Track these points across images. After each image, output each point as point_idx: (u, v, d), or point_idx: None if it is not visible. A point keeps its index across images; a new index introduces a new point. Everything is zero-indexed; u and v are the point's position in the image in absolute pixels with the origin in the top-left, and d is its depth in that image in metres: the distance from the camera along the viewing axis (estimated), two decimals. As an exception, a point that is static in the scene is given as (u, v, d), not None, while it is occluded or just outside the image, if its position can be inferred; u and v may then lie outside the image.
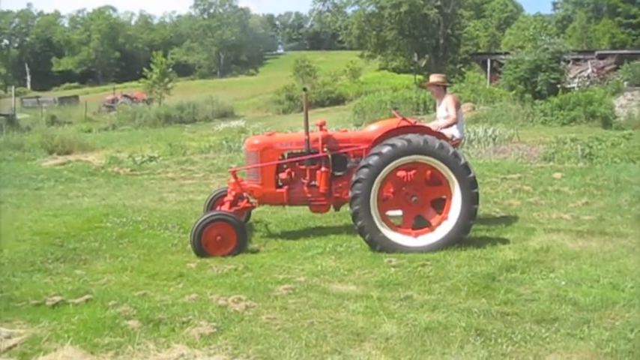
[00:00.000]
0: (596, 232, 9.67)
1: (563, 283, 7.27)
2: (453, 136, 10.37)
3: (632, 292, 6.83)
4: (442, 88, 11.14)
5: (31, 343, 5.84)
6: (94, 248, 9.63)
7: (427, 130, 9.38)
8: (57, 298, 6.97)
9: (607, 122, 29.25)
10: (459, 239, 8.88)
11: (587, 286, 7.10)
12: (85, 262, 8.96)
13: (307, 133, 9.72)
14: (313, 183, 9.72)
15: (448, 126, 10.37)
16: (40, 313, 6.59)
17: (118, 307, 6.69)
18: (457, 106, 10.70)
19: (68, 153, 24.86)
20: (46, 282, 7.89)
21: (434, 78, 11.36)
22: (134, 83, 78.89)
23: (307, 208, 10.17)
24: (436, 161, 8.84)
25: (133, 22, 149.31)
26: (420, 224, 9.28)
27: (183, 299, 6.99)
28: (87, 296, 7.07)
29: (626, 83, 38.38)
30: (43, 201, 13.86)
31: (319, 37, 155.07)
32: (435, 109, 11.61)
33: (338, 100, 56.40)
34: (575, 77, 44.02)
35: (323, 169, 9.63)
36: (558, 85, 35.45)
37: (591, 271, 7.63)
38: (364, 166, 8.82)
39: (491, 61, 55.81)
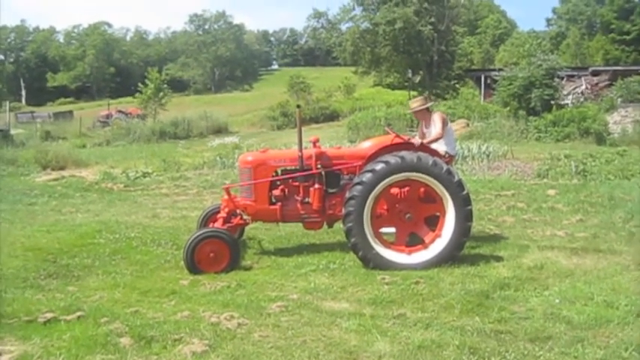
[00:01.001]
0: (590, 250, 9.68)
1: (557, 301, 7.25)
2: (446, 153, 10.36)
3: (626, 310, 6.81)
4: (425, 110, 11.05)
5: (22, 360, 5.80)
6: (86, 264, 9.59)
7: (421, 148, 9.38)
8: (49, 315, 6.93)
9: (601, 139, 29.34)
10: (452, 256, 8.87)
11: (581, 304, 7.08)
12: (77, 279, 8.93)
13: (301, 149, 9.73)
14: (306, 200, 9.71)
15: (433, 141, 10.30)
16: (32, 330, 6.55)
17: (110, 324, 6.64)
18: (444, 123, 10.64)
19: (62, 168, 24.78)
20: (38, 298, 7.84)
21: (414, 104, 11.19)
22: (129, 99, 78.60)
23: (301, 225, 10.14)
24: (430, 178, 8.84)
25: (128, 38, 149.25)
26: (414, 241, 9.26)
27: (175, 316, 6.95)
28: (79, 313, 7.02)
29: (619, 100, 38.55)
30: (37, 216, 13.83)
31: (314, 54, 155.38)
32: (418, 130, 11.46)
33: (332, 116, 56.42)
34: (569, 94, 44.21)
35: (316, 185, 9.62)
36: (552, 102, 35.58)
37: (585, 289, 7.61)
38: (358, 183, 8.81)
39: (485, 78, 56.06)
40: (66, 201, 16.36)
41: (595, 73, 51.09)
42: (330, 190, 9.77)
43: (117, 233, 11.50)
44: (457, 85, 64.67)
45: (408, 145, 9.40)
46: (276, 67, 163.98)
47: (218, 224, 9.95)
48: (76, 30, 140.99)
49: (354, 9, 69.37)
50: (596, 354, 5.73)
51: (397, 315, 6.87)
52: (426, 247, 9.04)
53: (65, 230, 11.93)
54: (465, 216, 8.82)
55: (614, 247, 9.84)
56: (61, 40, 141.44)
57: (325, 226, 10.07)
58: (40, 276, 8.90)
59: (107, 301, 7.72)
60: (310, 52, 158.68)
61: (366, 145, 10.08)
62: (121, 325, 6.62)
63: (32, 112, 70.60)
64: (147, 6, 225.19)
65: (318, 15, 76.48)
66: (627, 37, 77.89)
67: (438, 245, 8.94)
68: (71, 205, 15.64)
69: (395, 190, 9.21)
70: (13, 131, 42.33)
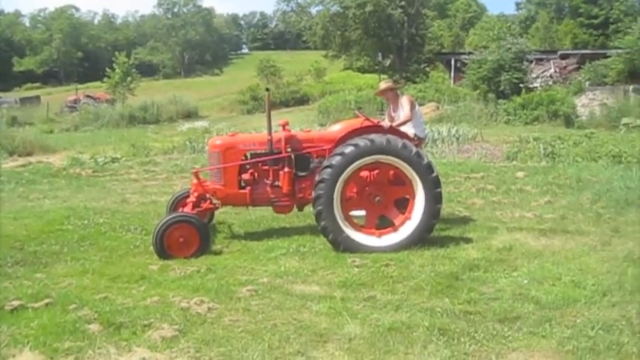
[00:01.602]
0: (558, 231, 9.77)
1: (525, 281, 7.32)
2: (415, 136, 10.38)
3: (593, 290, 6.89)
4: (394, 93, 11.10)
5: (-11, 348, 5.74)
6: (54, 251, 9.52)
7: (390, 130, 9.39)
8: (16, 303, 6.86)
9: (569, 121, 29.56)
10: (422, 239, 8.90)
11: (549, 285, 7.16)
12: (45, 266, 8.86)
13: (270, 133, 9.71)
14: (276, 183, 9.70)
15: (402, 124, 10.31)
16: (-1, 318, 6.48)
17: (79, 311, 6.59)
18: (412, 106, 10.65)
19: (29, 154, 24.51)
20: (5, 286, 7.76)
21: (383, 84, 11.34)
22: (97, 83, 77.88)
23: (270, 208, 10.13)
24: (399, 161, 8.85)
25: (95, 22, 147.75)
26: (384, 224, 9.29)
27: (144, 302, 6.91)
28: (47, 300, 6.96)
29: (587, 83, 38.86)
30: (3, 203, 13.65)
31: (284, 37, 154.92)
32: (387, 113, 11.51)
33: (303, 100, 56.36)
34: (537, 77, 44.48)
35: (286, 169, 9.61)
36: (521, 85, 35.76)
37: (553, 270, 7.70)
38: (327, 167, 8.80)
39: (455, 61, 56.18)
40: (33, 187, 16.17)
41: (563, 57, 51.43)
42: (300, 174, 9.77)
43: (85, 219, 11.39)
44: (427, 69, 64.76)
45: (377, 128, 9.41)
46: (246, 51, 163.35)
47: (187, 209, 9.91)
48: (42, 14, 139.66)
49: (324, -8, 69.15)
50: (564, 333, 5.79)
51: (367, 297, 6.90)
52: (395, 229, 9.06)
53: (32, 217, 11.81)
54: (434, 198, 8.85)
55: (582, 228, 9.94)
56: (27, 24, 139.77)
57: (295, 209, 10.06)
58: (7, 263, 8.83)
59: (76, 287, 7.65)
60: (280, 35, 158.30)
61: (336, 129, 10.09)
62: (90, 311, 6.57)
63: (-2, 98, 69.69)
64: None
65: (287, -1, 76.23)
66: (595, 21, 78.39)
67: (408, 228, 8.97)
68: (39, 191, 15.47)
69: (364, 173, 9.24)
70: (-22, 117, 41.80)
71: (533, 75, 42.33)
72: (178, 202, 10.82)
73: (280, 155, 9.67)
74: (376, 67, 68.01)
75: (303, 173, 9.77)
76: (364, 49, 68.43)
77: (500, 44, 38.23)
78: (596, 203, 11.54)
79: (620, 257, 8.24)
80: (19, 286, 7.75)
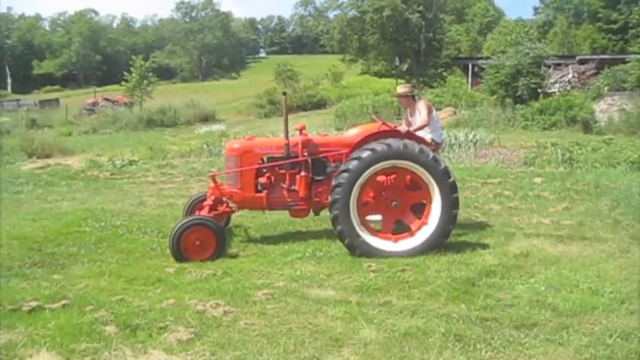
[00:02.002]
0: (575, 237, 9.70)
1: (542, 288, 7.28)
2: (432, 141, 10.37)
3: (611, 298, 6.85)
4: (411, 98, 11.09)
5: (7, 349, 5.78)
6: (72, 253, 9.59)
7: (407, 135, 9.38)
8: (34, 304, 6.90)
9: (587, 127, 29.37)
10: (438, 244, 8.88)
11: (567, 292, 7.11)
12: (62, 267, 8.93)
13: (287, 137, 9.72)
14: (293, 187, 9.71)
15: (419, 128, 10.30)
16: (17, 319, 6.52)
17: (95, 313, 6.63)
18: (429, 111, 10.64)
19: (48, 156, 24.63)
20: (23, 287, 7.83)
21: (401, 89, 11.28)
22: (115, 86, 78.24)
23: (287, 212, 10.13)
24: (416, 166, 8.84)
25: (114, 26, 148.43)
26: (400, 229, 9.27)
27: (161, 304, 6.93)
28: (64, 301, 7.00)
29: (606, 88, 38.62)
30: (22, 205, 13.76)
31: (301, 41, 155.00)
32: (404, 118, 11.53)
33: (320, 104, 56.28)
34: (556, 82, 44.32)
35: (302, 173, 9.62)
36: (539, 90, 35.61)
37: (571, 276, 7.65)
38: (344, 171, 8.80)
39: (473, 66, 56.16)
40: (51, 189, 16.27)
41: (582, 62, 51.27)
42: (317, 178, 9.77)
43: (102, 221, 11.47)
44: (444, 73, 64.73)
45: (394, 133, 9.40)
46: (263, 55, 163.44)
47: (204, 212, 9.92)
48: (61, 17, 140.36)
49: (341, -4, 69.25)
50: (581, 341, 5.75)
51: (383, 302, 6.88)
52: (412, 234, 9.04)
53: (51, 218, 11.90)
54: (451, 203, 8.83)
55: (600, 234, 9.87)
56: (47, 28, 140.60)
57: (312, 213, 10.06)
58: (25, 264, 8.90)
59: (92, 289, 7.69)
60: (298, 39, 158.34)
61: (353, 133, 10.07)
62: (107, 313, 6.61)
63: (18, 100, 70.06)
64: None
65: (305, 3, 76.59)
66: (614, 26, 77.98)
67: (425, 233, 8.95)
68: (57, 193, 15.57)
69: (381, 178, 9.23)
70: (-2, 119, 42.09)
71: (552, 80, 42.18)
72: (195, 205, 10.83)
73: (297, 159, 9.68)
74: (393, 72, 67.92)
75: (320, 177, 9.77)
76: (381, 53, 68.53)
77: (518, 49, 38.06)
78: (615, 210, 11.45)
79: (638, 264, 8.17)
80: (37, 287, 7.80)
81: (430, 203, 9.00)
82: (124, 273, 8.43)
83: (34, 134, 30.03)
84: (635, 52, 40.72)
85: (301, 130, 9.97)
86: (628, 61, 40.09)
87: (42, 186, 16.74)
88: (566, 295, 6.95)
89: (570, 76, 47.69)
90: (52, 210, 13.05)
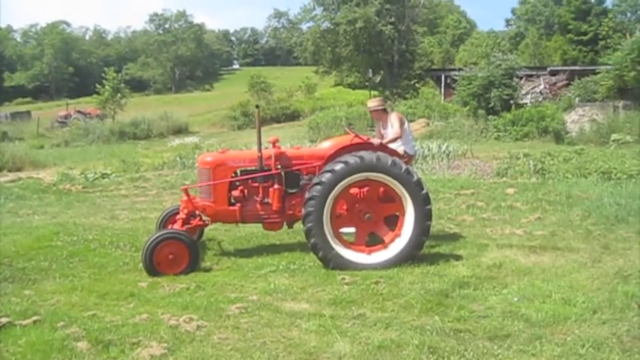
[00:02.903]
0: (548, 248, 9.78)
1: (515, 299, 7.31)
2: (405, 153, 10.41)
3: (583, 307, 6.90)
4: (382, 111, 11.16)
5: (-25, 367, 5.70)
6: (43, 268, 9.46)
7: (380, 148, 9.40)
8: (4, 320, 6.82)
9: (559, 138, 29.65)
10: (412, 256, 8.90)
11: (540, 302, 7.15)
12: (34, 282, 8.80)
13: (260, 150, 9.70)
14: (266, 200, 9.69)
15: (391, 141, 10.35)
16: (-14, 336, 6.43)
17: (67, 329, 6.57)
18: (402, 123, 10.72)
19: (19, 170, 24.45)
20: (-7, 303, 7.72)
21: (371, 103, 11.37)
22: (88, 99, 77.51)
23: (260, 225, 10.10)
24: (389, 178, 8.86)
25: (87, 37, 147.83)
26: (374, 241, 9.28)
27: (133, 319, 6.88)
28: (35, 317, 6.92)
29: (577, 99, 38.99)
30: (-8, 219, 13.61)
31: (275, 53, 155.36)
32: (376, 130, 11.58)
33: (293, 116, 56.31)
34: (527, 93, 44.68)
35: (276, 186, 9.61)
36: (511, 101, 35.82)
37: (543, 287, 7.70)
38: (317, 184, 8.80)
39: (446, 77, 56.41)
40: (23, 203, 16.13)
41: (553, 73, 51.74)
42: (290, 191, 9.77)
43: (75, 235, 11.37)
44: (417, 85, 64.92)
45: (367, 145, 9.43)
46: (237, 66, 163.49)
47: (177, 225, 9.88)
48: (33, 29, 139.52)
49: (314, 9, 69.04)
50: (554, 351, 5.78)
51: (357, 315, 6.88)
52: (385, 246, 9.06)
53: (22, 233, 11.79)
54: (424, 215, 8.86)
55: (572, 244, 9.95)
56: (19, 39, 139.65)
57: (285, 226, 10.04)
58: (-5, 280, 8.77)
59: (64, 304, 7.61)
60: (271, 51, 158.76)
61: (326, 146, 10.09)
62: (78, 329, 6.55)
63: (-12, 113, 69.45)
64: (106, 5, 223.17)
65: (278, 15, 76.87)
66: (584, 38, 79.05)
67: (398, 245, 8.97)
68: (28, 207, 15.43)
69: (354, 190, 9.24)
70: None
71: (523, 91, 42.47)
72: (168, 218, 10.78)
73: (270, 172, 9.67)
74: (367, 84, 68.15)
75: (293, 190, 9.77)
76: (355, 65, 68.59)
77: (490, 61, 38.34)
78: (586, 220, 11.55)
79: (610, 274, 8.24)
80: (7, 303, 7.69)
81: (403, 215, 9.03)
82: (96, 288, 8.34)
83: (5, 147, 29.80)
84: (605, 64, 41.06)
85: (274, 142, 9.96)
86: (598, 72, 40.48)
87: (13, 200, 16.58)
88: (538, 306, 6.99)
89: (542, 87, 48.10)
90: (23, 224, 12.92)
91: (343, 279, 8.28)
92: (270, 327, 6.62)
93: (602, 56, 60.19)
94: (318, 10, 68.49)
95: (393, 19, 61.80)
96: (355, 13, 60.25)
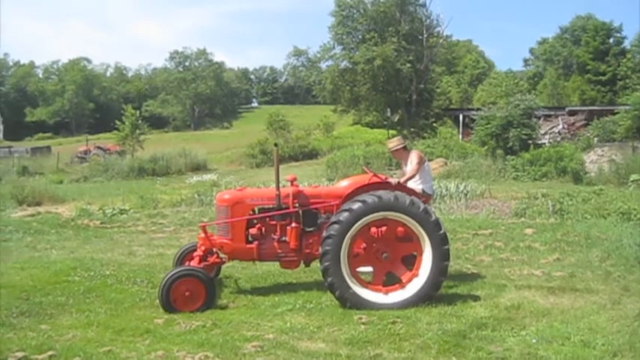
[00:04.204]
0: (567, 289, 9.69)
1: (534, 340, 7.25)
2: (423, 192, 10.40)
3: (603, 350, 6.82)
4: (402, 150, 11.17)
5: (-9, 402, 5.70)
6: (60, 302, 9.50)
7: (398, 187, 9.40)
8: (20, 354, 6.84)
9: (578, 178, 29.50)
10: (429, 296, 8.86)
11: (559, 344, 7.08)
12: (50, 317, 8.84)
13: (278, 188, 9.73)
14: (284, 239, 9.70)
15: (408, 179, 10.36)
16: (2, 371, 6.44)
17: (83, 365, 6.55)
18: (421, 161, 10.73)
19: (38, 204, 24.53)
20: (9, 337, 7.76)
21: (391, 144, 11.41)
22: (108, 135, 78.31)
23: (277, 263, 10.10)
24: (407, 218, 8.85)
25: (108, 74, 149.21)
26: (391, 281, 9.24)
27: (149, 356, 6.88)
28: (51, 352, 6.95)
29: (596, 139, 38.95)
30: (11, 253, 13.69)
31: (293, 92, 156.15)
32: (399, 168, 11.60)
33: (311, 155, 56.33)
34: (546, 133, 44.68)
35: (293, 224, 9.62)
36: (530, 141, 35.83)
37: (562, 329, 7.62)
38: (335, 222, 8.80)
39: (464, 117, 56.56)
40: (41, 237, 16.21)
41: (572, 113, 51.76)
42: (307, 229, 9.76)
43: (92, 271, 11.41)
44: (435, 124, 65.01)
45: (385, 185, 9.44)
46: (255, 104, 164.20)
47: (194, 263, 9.88)
48: (55, 65, 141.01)
49: (333, 47, 69.63)
50: (573, 395, 5.71)
51: (374, 355, 6.84)
52: (403, 286, 9.02)
53: (39, 267, 11.85)
54: (442, 255, 8.83)
55: (591, 286, 9.86)
56: (40, 75, 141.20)
57: (302, 265, 10.02)
58: (12, 314, 8.81)
59: (80, 340, 7.62)
60: (290, 90, 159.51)
61: (344, 184, 10.11)
62: (94, 365, 6.53)
63: (9, 147, 69.99)
64: (128, 43, 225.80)
65: (298, 53, 76.57)
66: (603, 78, 79.10)
67: (416, 285, 8.93)
68: (46, 241, 15.52)
69: (372, 230, 9.20)
70: (-11, 166, 42.05)
71: (542, 131, 42.51)
72: (185, 255, 10.79)
73: (288, 210, 9.69)
74: (385, 122, 68.24)
75: (311, 229, 9.77)
76: (373, 104, 68.80)
77: (509, 100, 38.40)
78: (606, 261, 11.46)
79: (630, 316, 8.16)
80: (24, 337, 7.73)
81: (421, 255, 9.00)
82: (112, 323, 8.36)
83: (25, 181, 30.02)
84: (623, 104, 41.08)
85: (292, 181, 9.99)
86: (617, 112, 40.49)
87: (31, 234, 16.67)
88: (557, 348, 6.92)
89: (560, 127, 48.10)
90: (41, 259, 12.99)
91: (360, 319, 8.24)
92: (286, 366, 6.58)
93: (621, 96, 60.26)
94: (338, 49, 69.05)
95: (411, 58, 62.13)
96: (374, 52, 60.59)
